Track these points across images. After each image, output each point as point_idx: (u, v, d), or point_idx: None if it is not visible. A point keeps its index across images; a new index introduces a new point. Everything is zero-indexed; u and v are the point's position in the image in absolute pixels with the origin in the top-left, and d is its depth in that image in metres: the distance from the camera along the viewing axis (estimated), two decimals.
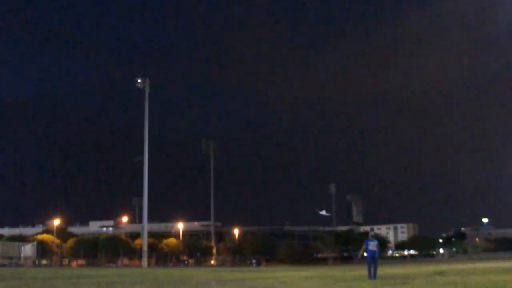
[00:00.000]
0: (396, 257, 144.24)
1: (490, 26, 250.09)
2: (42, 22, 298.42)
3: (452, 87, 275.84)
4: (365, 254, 22.31)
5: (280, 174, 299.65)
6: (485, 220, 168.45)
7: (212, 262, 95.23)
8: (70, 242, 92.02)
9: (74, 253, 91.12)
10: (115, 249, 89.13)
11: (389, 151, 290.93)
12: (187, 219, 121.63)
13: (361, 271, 31.52)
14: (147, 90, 77.52)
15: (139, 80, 77.94)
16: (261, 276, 30.02)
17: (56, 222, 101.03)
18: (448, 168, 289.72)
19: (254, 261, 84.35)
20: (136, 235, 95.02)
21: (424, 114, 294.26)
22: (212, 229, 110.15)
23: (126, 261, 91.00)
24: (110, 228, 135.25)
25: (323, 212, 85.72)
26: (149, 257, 77.04)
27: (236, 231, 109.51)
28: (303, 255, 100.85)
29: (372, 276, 21.99)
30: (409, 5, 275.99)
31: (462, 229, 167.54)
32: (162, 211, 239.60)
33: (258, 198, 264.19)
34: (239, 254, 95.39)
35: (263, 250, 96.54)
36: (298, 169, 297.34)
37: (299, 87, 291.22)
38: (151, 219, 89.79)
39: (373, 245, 22.12)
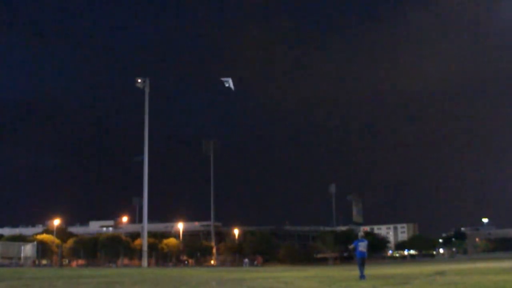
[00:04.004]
0: (396, 257, 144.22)
1: (490, 26, 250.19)
2: (42, 22, 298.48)
3: (452, 87, 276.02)
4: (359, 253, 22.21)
5: (280, 174, 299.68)
6: (485, 220, 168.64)
7: (212, 262, 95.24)
8: (70, 242, 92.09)
9: (74, 253, 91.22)
10: (115, 249, 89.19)
11: (389, 151, 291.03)
12: (187, 219, 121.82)
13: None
14: (147, 90, 77.57)
15: (139, 80, 78.01)
16: (261, 276, 30.02)
17: (56, 222, 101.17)
18: (448, 168, 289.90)
19: (246, 260, 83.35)
20: (136, 235, 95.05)
21: (424, 114, 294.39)
22: (212, 229, 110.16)
23: (126, 261, 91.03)
24: (110, 228, 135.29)
25: None
26: (149, 257, 77.07)
27: (236, 231, 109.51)
28: (303, 255, 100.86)
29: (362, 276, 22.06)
30: (409, 5, 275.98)
31: (462, 229, 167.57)
32: (162, 211, 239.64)
33: (258, 198, 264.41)
34: (239, 254, 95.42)
35: (263, 250, 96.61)
36: (298, 169, 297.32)
37: (299, 87, 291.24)
38: (151, 219, 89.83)
39: (363, 245, 21.96)
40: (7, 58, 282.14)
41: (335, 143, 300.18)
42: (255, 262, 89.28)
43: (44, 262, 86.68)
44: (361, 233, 27.06)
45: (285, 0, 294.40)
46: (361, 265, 22.00)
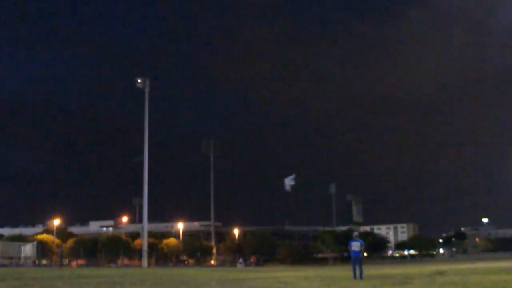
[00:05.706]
0: (396, 257, 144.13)
1: (490, 25, 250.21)
2: (42, 22, 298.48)
3: (452, 87, 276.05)
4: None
5: (280, 174, 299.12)
6: (485, 220, 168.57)
7: (212, 262, 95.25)
8: (70, 242, 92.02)
9: (74, 253, 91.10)
10: (115, 249, 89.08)
11: (389, 151, 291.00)
12: (187, 219, 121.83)
13: None
14: (147, 90, 77.49)
15: (139, 80, 77.92)
16: (260, 276, 30.02)
17: (56, 222, 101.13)
18: (448, 168, 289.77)
19: (241, 260, 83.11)
20: (136, 235, 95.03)
21: (424, 114, 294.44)
22: (212, 229, 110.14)
23: (126, 261, 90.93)
24: (110, 228, 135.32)
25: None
26: (149, 257, 76.99)
27: (236, 231, 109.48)
28: (303, 255, 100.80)
29: (358, 276, 22.10)
30: (409, 5, 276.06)
31: (462, 229, 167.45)
32: (162, 211, 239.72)
33: (258, 198, 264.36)
34: (239, 254, 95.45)
35: (263, 250, 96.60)
36: (298, 169, 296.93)
37: (299, 86, 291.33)
38: (151, 219, 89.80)
39: (356, 245, 22.31)
40: (7, 58, 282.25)
41: (335, 143, 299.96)
42: (251, 260, 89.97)
43: (44, 262, 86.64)
44: (355, 233, 27.08)
45: (284, 1, 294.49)
46: (355, 265, 22.25)
